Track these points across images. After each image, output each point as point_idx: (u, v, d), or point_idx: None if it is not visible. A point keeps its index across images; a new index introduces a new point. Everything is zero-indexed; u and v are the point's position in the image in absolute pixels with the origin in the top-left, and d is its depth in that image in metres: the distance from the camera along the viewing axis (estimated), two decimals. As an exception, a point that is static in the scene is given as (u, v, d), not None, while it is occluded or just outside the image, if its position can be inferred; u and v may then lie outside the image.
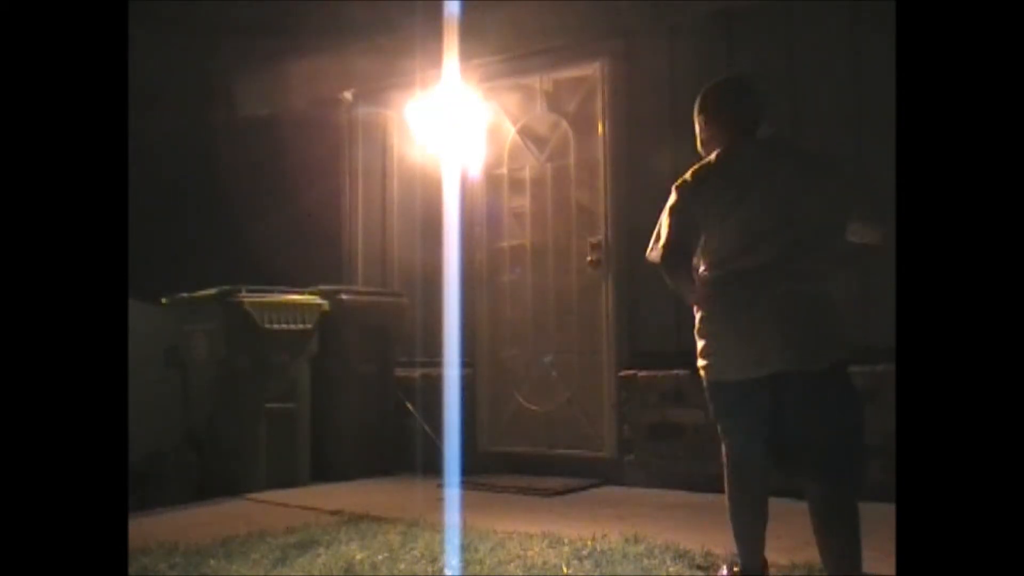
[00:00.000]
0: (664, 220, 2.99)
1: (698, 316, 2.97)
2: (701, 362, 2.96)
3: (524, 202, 6.00)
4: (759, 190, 2.80)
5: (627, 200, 5.49)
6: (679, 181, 3.00)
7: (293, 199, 6.84)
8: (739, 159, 2.92)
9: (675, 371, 5.14)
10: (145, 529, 4.06)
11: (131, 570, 3.20)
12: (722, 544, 3.42)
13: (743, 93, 3.07)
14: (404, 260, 6.47)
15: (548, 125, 5.96)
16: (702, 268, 2.94)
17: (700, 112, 3.09)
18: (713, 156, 3.00)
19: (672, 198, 2.99)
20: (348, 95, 6.79)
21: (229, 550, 3.68)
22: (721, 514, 4.24)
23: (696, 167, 3.02)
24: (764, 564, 3.05)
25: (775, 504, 3.08)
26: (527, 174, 6.00)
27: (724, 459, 2.98)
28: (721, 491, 3.14)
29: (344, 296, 5.89)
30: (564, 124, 5.87)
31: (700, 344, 2.96)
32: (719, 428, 2.99)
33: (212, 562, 3.52)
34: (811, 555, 3.26)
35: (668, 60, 5.40)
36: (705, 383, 2.99)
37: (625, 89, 5.55)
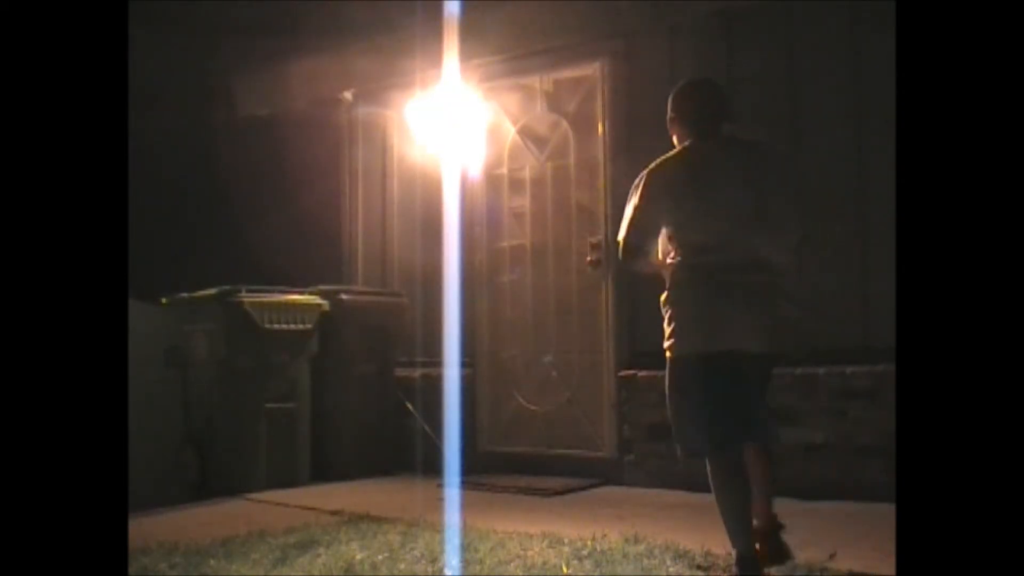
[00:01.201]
0: (628, 210, 3.16)
1: (668, 309, 3.11)
2: (668, 343, 3.08)
3: (524, 202, 6.00)
4: (726, 185, 3.04)
5: (627, 200, 5.48)
6: (646, 170, 3.16)
7: (293, 199, 6.84)
8: (702, 154, 3.11)
9: (675, 371, 5.14)
10: (145, 529, 4.06)
11: (131, 570, 3.20)
12: (722, 544, 3.41)
13: (706, 93, 3.25)
14: (404, 260, 6.47)
15: (548, 125, 5.95)
16: (672, 256, 3.12)
17: (669, 111, 3.27)
18: (678, 150, 3.18)
19: (639, 188, 3.14)
20: (348, 95, 6.78)
21: (229, 550, 3.68)
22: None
23: (662, 159, 3.17)
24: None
25: (775, 505, 3.09)
26: (527, 174, 6.00)
27: (681, 446, 3.16)
28: None
29: (344, 296, 5.89)
30: (564, 124, 5.86)
31: (668, 330, 3.09)
32: (673, 405, 3.12)
33: (212, 562, 3.51)
34: (811, 555, 3.26)
35: (668, 60, 5.40)
36: (670, 360, 3.10)
37: (625, 89, 5.55)
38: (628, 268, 3.34)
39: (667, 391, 3.12)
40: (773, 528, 3.08)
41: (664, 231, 3.11)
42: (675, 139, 3.26)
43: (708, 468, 3.05)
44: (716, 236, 3.01)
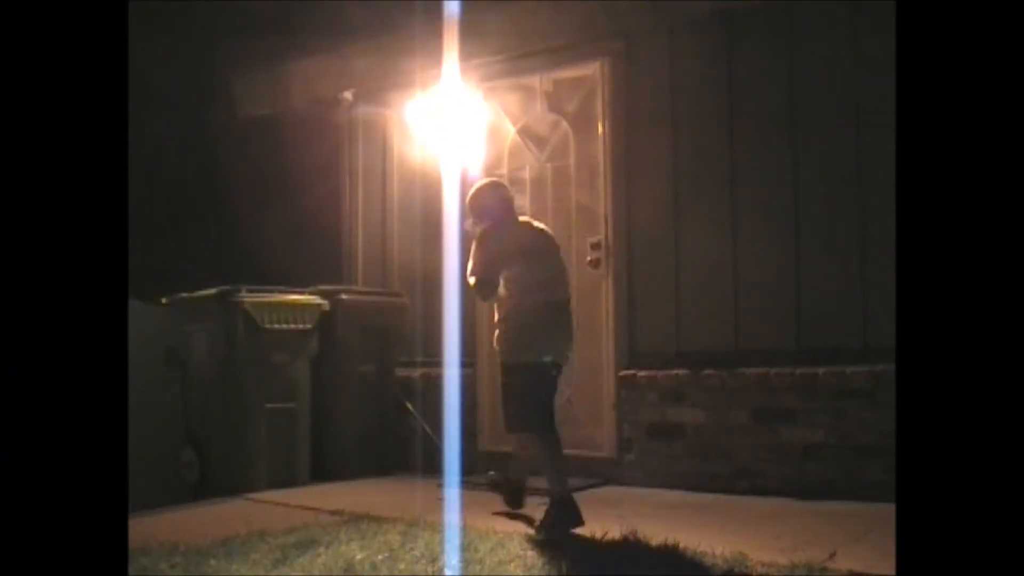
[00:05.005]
0: (475, 258, 4.21)
1: (506, 328, 4.20)
2: (509, 353, 4.17)
3: (524, 202, 5.99)
4: (538, 250, 4.27)
5: (627, 200, 5.49)
6: (481, 234, 4.26)
7: (293, 199, 6.84)
8: (516, 229, 4.34)
9: (675, 371, 5.14)
10: (145, 529, 4.06)
11: (131, 570, 3.20)
12: (722, 544, 3.42)
13: (505, 189, 4.50)
14: (404, 260, 6.47)
15: (548, 125, 5.95)
16: (509, 294, 4.20)
17: (482, 199, 4.38)
18: (495, 225, 4.28)
19: (481, 244, 4.21)
20: (348, 95, 6.78)
21: (229, 550, 3.68)
22: (721, 514, 4.25)
23: (488, 228, 4.28)
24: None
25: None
26: (527, 174, 5.99)
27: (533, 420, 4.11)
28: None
29: (344, 296, 5.88)
30: (564, 124, 5.86)
31: (506, 343, 4.19)
32: (526, 390, 4.09)
33: (212, 562, 3.51)
34: (811, 555, 3.27)
35: (668, 60, 5.40)
36: (511, 365, 4.16)
37: (625, 89, 5.55)
38: (482, 298, 4.38)
39: (512, 388, 4.14)
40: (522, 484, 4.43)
41: (503, 276, 4.19)
42: (476, 220, 4.38)
43: (540, 441, 4.08)
44: (544, 286, 4.20)
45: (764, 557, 3.27)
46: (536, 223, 4.47)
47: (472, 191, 4.44)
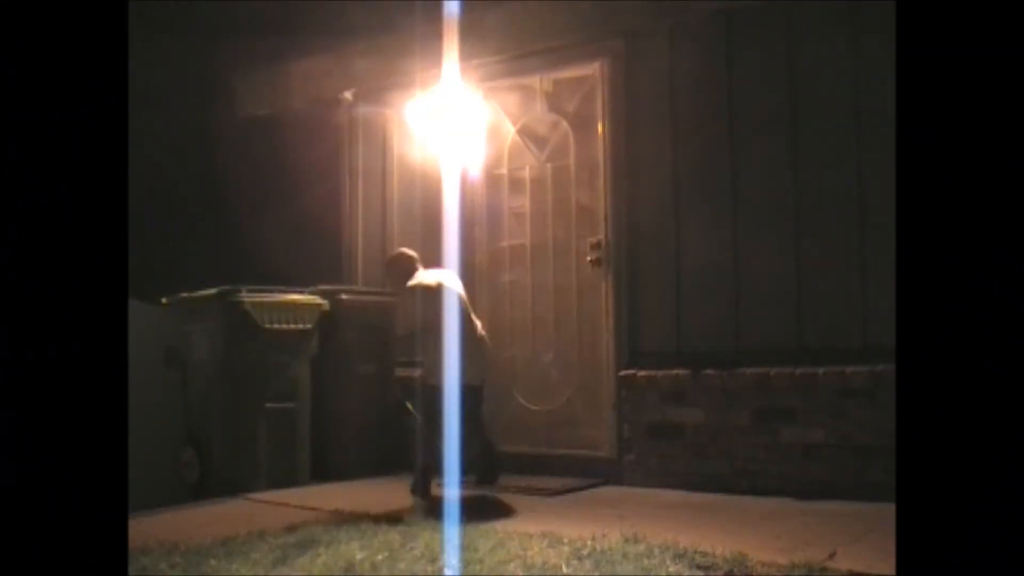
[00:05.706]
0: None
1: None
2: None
3: (524, 202, 6.00)
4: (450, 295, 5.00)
5: (627, 200, 5.49)
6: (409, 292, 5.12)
7: (293, 199, 6.84)
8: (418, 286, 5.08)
9: (675, 371, 5.14)
10: (145, 529, 4.06)
11: (131, 570, 3.20)
12: (722, 544, 3.42)
13: (408, 256, 5.34)
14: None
15: (548, 125, 5.95)
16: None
17: (393, 268, 5.37)
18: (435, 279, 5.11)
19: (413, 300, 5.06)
20: (348, 95, 6.78)
21: (229, 550, 3.68)
22: (721, 514, 4.25)
23: (409, 288, 5.11)
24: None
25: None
26: (527, 174, 5.99)
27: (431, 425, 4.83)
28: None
29: (344, 296, 5.88)
30: (564, 124, 5.86)
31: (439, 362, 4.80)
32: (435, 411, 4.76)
33: (212, 562, 3.51)
34: (811, 555, 3.27)
35: (668, 60, 5.40)
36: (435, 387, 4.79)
37: (625, 89, 5.55)
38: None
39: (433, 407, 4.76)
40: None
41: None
42: (396, 281, 5.28)
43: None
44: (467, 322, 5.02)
45: (764, 557, 3.27)
46: (434, 277, 5.11)
47: (386, 263, 5.45)
